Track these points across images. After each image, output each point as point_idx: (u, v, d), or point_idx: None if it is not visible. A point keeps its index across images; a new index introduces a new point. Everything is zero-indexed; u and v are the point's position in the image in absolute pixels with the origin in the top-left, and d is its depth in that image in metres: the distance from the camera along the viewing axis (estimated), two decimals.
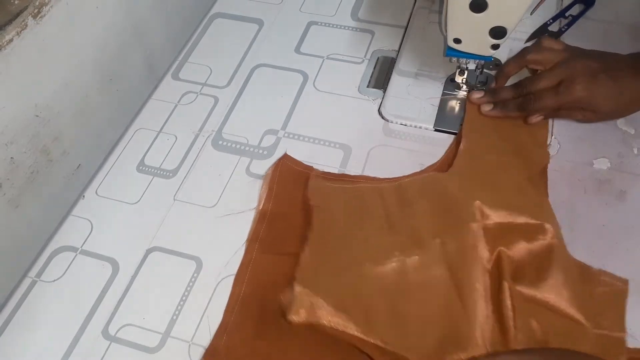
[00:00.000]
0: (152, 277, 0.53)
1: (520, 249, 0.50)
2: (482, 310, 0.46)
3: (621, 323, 0.46)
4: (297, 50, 0.71)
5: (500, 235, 0.50)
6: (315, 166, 0.59)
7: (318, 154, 0.60)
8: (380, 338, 0.46)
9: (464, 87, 0.63)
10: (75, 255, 0.55)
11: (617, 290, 0.48)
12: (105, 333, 0.50)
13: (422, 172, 0.58)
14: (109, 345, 0.49)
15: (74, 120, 0.64)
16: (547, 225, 0.50)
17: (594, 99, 0.54)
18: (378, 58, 0.69)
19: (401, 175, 0.57)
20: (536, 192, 0.54)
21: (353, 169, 0.59)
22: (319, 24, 0.73)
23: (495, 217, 0.50)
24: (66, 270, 0.54)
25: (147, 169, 0.61)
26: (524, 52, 0.59)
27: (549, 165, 0.56)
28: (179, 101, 0.67)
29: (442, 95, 0.64)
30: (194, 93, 0.67)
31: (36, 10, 0.55)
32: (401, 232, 0.52)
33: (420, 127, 0.61)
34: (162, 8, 0.76)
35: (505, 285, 0.47)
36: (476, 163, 0.56)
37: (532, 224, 0.50)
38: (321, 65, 0.69)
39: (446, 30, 0.55)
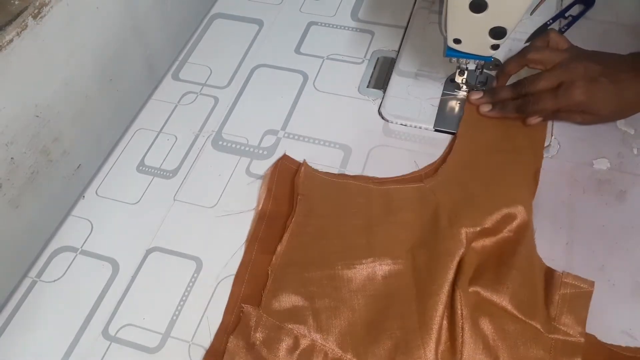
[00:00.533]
0: (152, 277, 0.53)
1: (486, 244, 0.50)
2: (437, 325, 0.46)
3: (581, 326, 0.46)
4: (297, 50, 0.71)
5: (475, 239, 0.50)
6: (315, 166, 0.59)
7: (318, 154, 0.60)
8: (336, 343, 0.46)
9: (464, 87, 0.63)
10: (76, 256, 0.55)
11: (581, 293, 0.48)
12: (105, 333, 0.50)
13: (417, 172, 0.58)
14: (109, 345, 0.49)
15: (74, 121, 0.64)
16: (519, 213, 0.50)
17: (593, 103, 0.54)
18: (378, 58, 0.69)
19: (400, 174, 0.58)
20: (524, 191, 0.53)
21: (353, 169, 0.59)
22: (319, 24, 0.74)
23: (479, 229, 0.50)
24: (66, 270, 0.54)
25: (147, 169, 0.61)
26: (524, 51, 0.58)
27: (549, 166, 0.56)
28: (179, 101, 0.67)
29: (442, 95, 0.64)
30: (194, 93, 0.67)
31: (36, 11, 0.55)
32: (379, 237, 0.52)
33: (420, 128, 0.62)
34: (162, 8, 0.76)
35: (458, 292, 0.46)
36: (466, 165, 0.56)
37: (504, 216, 0.50)
38: (321, 66, 0.69)
39: (446, 31, 0.55)
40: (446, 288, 0.47)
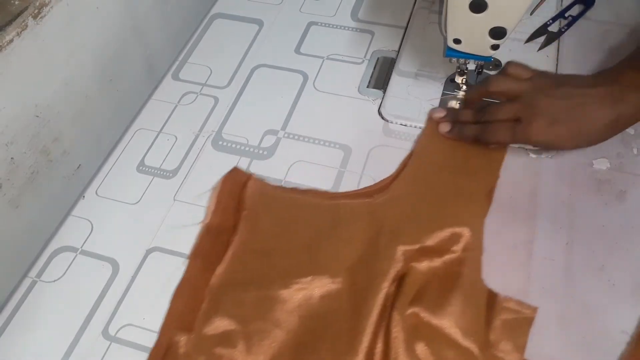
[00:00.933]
0: (152, 277, 0.53)
1: (429, 266, 0.49)
2: (366, 348, 0.45)
3: (519, 353, 0.45)
4: (297, 50, 0.71)
5: (416, 258, 0.49)
6: (315, 166, 0.59)
7: (318, 155, 0.60)
8: None
9: (464, 87, 0.64)
10: (76, 256, 0.55)
11: (522, 319, 0.47)
12: (105, 333, 0.50)
13: (370, 187, 0.56)
14: (109, 345, 0.49)
15: (74, 121, 0.64)
16: (465, 233, 0.49)
17: (550, 142, 0.52)
18: (378, 58, 0.69)
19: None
20: (472, 212, 0.53)
21: (353, 169, 0.59)
22: (319, 24, 0.74)
23: (417, 246, 0.49)
24: (66, 270, 0.54)
25: (147, 169, 0.61)
26: (486, 81, 0.57)
27: (549, 166, 0.57)
28: (179, 101, 0.67)
29: (442, 95, 0.64)
30: (194, 93, 0.67)
31: (36, 11, 0.55)
32: (322, 254, 0.51)
33: (420, 128, 0.61)
34: (162, 8, 0.76)
35: (395, 314, 0.45)
36: (418, 183, 0.56)
37: (450, 236, 0.50)
38: (321, 66, 0.69)
39: (446, 31, 0.55)
40: (376, 310, 0.46)
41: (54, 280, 0.53)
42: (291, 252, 0.52)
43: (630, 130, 0.58)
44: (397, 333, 0.44)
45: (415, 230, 0.51)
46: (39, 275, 0.54)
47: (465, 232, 0.50)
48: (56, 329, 0.51)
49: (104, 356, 0.49)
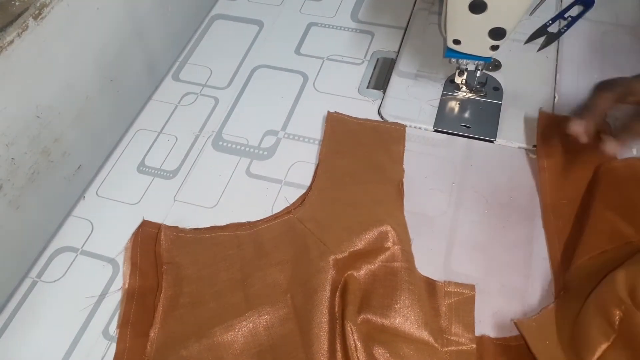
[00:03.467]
0: None
1: (367, 270, 0.49)
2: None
3: (470, 332, 0.47)
4: (297, 51, 0.71)
5: (350, 264, 0.49)
6: (315, 166, 0.59)
7: (318, 155, 0.60)
8: None
9: (464, 87, 0.64)
10: (76, 256, 0.55)
11: (464, 299, 0.48)
12: (105, 333, 0.50)
13: (287, 207, 0.56)
14: (109, 345, 0.49)
15: (74, 121, 0.64)
16: (389, 229, 0.49)
17: None
18: (378, 59, 0.69)
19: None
20: (389, 208, 0.53)
21: None
22: (319, 25, 0.74)
23: (347, 253, 0.49)
24: (67, 270, 0.54)
25: (147, 169, 0.61)
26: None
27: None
28: (179, 102, 0.67)
29: (442, 96, 0.64)
30: (195, 94, 0.68)
31: (37, 12, 0.55)
32: (255, 286, 0.50)
33: (420, 128, 0.62)
34: (162, 9, 0.77)
35: (348, 326, 0.44)
36: (330, 189, 0.55)
37: (377, 235, 0.49)
38: (321, 66, 0.69)
39: (445, 32, 0.55)
40: (325, 325, 0.45)
41: (55, 281, 0.53)
42: (223, 293, 0.50)
43: None
44: (354, 343, 0.44)
45: (341, 236, 0.50)
46: (40, 275, 0.54)
47: (389, 228, 0.49)
48: (57, 328, 0.51)
49: (104, 356, 0.49)
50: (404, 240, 0.50)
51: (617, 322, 0.43)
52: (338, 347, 0.45)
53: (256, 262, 0.51)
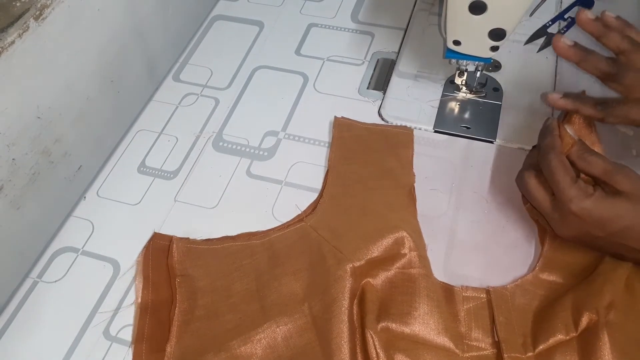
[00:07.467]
0: None
1: (384, 277, 0.49)
2: None
3: (490, 337, 0.46)
4: (298, 52, 0.71)
5: (366, 272, 0.48)
6: (315, 168, 0.59)
7: (318, 155, 0.60)
8: None
9: (463, 88, 0.64)
10: (77, 256, 0.55)
11: (482, 304, 0.48)
12: (106, 333, 0.50)
13: (299, 215, 0.55)
14: (110, 345, 0.49)
15: (75, 122, 0.64)
16: (404, 235, 0.49)
17: None
18: (378, 60, 0.69)
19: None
20: (402, 214, 0.53)
21: None
22: (319, 26, 0.74)
23: (364, 260, 0.48)
24: (67, 271, 0.54)
25: (148, 170, 0.61)
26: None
27: None
28: (179, 103, 0.67)
29: (442, 96, 0.64)
30: (195, 95, 0.68)
31: (38, 13, 0.55)
32: (272, 297, 0.49)
33: (420, 129, 0.62)
34: (163, 10, 0.77)
35: (369, 334, 0.44)
36: (343, 195, 0.55)
37: (393, 242, 0.49)
38: (321, 67, 0.69)
39: (445, 32, 0.55)
40: (345, 333, 0.45)
41: (55, 281, 0.54)
42: (238, 304, 0.49)
43: (629, 132, 0.59)
44: (376, 352, 0.44)
45: (357, 245, 0.49)
46: (41, 275, 0.54)
47: (405, 234, 0.49)
48: (57, 329, 0.51)
49: (105, 356, 0.49)
50: (420, 246, 0.50)
51: (582, 326, 0.43)
52: (359, 356, 0.45)
53: (271, 272, 0.50)
